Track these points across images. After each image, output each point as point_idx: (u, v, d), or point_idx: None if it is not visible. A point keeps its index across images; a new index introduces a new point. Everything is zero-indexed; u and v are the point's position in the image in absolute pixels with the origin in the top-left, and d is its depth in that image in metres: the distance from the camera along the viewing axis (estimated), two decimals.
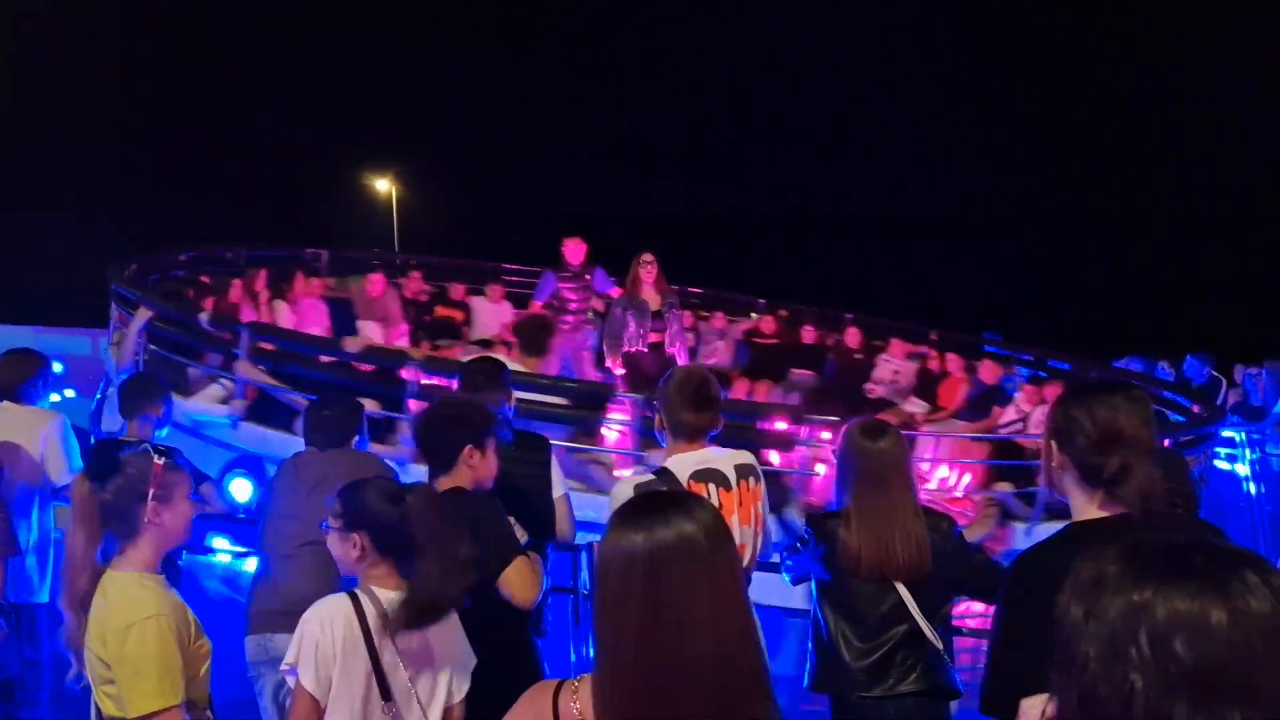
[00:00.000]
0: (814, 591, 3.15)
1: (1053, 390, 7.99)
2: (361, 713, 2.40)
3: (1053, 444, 1.98)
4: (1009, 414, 8.41)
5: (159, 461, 2.47)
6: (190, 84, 26.06)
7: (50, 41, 24.06)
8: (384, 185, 25.56)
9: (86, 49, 24.61)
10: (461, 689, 2.53)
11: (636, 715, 1.42)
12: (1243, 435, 8.74)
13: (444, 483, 2.97)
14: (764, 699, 1.46)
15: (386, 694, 2.40)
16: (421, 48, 29.91)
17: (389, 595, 2.45)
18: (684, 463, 3.13)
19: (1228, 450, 8.81)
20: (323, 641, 2.40)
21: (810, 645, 3.14)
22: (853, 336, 10.28)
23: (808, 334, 10.63)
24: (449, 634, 2.52)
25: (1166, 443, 6.48)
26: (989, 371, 9.12)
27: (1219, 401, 9.41)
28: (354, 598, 2.46)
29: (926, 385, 9.59)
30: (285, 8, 27.10)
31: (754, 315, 11.90)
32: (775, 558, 3.44)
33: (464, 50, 29.86)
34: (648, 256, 7.66)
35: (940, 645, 3.01)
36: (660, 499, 1.58)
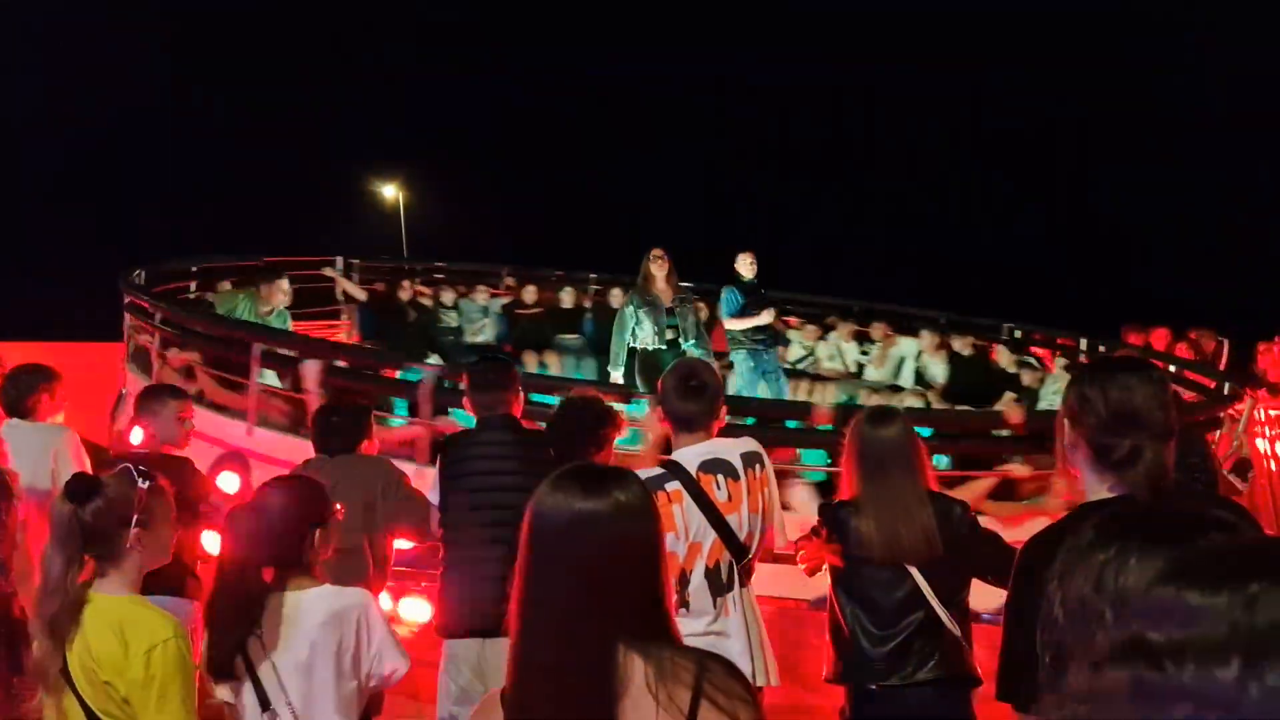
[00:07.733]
0: (830, 581, 3.13)
1: None
2: None
3: (1065, 423, 1.93)
4: None
5: (142, 486, 2.42)
6: (195, 89, 26.09)
7: (55, 47, 24.13)
8: (390, 192, 25.57)
9: (95, 56, 24.64)
10: None
11: (521, 699, 1.37)
12: (1261, 412, 8.64)
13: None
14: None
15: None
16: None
17: None
18: (691, 454, 3.07)
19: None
20: None
21: (828, 637, 3.12)
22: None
23: (566, 298, 10.95)
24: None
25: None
26: None
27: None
28: None
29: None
30: (292, 10, 27.00)
31: (507, 284, 12.19)
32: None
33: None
34: (658, 251, 7.49)
35: (958, 632, 2.98)
36: (576, 474, 1.50)
